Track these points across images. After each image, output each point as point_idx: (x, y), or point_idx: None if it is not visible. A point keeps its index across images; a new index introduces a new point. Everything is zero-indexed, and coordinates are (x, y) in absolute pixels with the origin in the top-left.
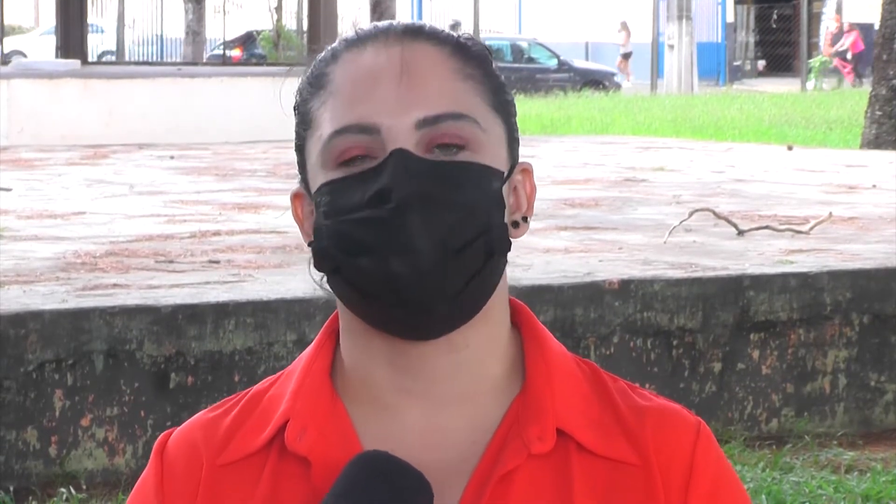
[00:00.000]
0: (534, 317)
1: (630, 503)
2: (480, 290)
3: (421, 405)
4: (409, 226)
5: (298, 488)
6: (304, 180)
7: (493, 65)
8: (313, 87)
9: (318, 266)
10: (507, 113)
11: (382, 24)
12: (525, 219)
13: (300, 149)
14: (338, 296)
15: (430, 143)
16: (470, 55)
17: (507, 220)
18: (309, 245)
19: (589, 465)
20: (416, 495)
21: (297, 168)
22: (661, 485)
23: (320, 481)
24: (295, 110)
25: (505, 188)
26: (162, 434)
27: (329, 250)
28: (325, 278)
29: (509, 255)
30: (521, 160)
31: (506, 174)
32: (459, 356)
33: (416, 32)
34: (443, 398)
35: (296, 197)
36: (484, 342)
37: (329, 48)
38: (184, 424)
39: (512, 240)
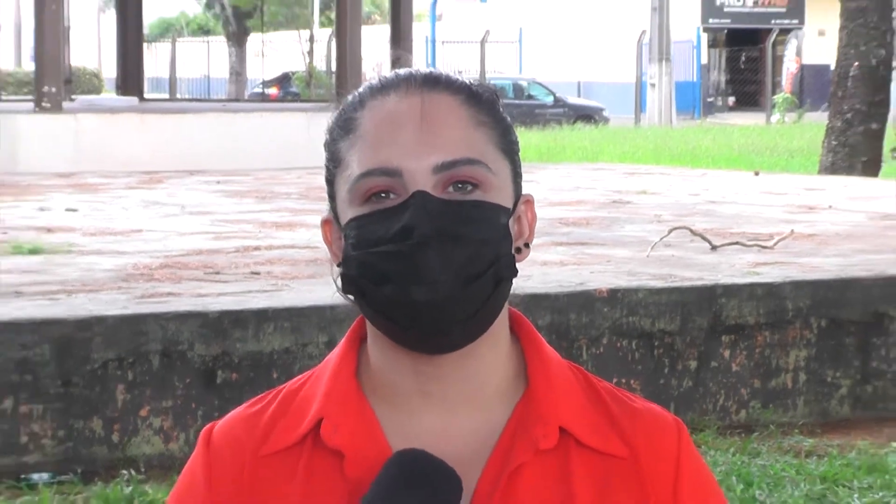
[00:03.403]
0: (532, 327)
1: (622, 492)
2: (490, 313)
3: (437, 406)
4: (428, 260)
5: (331, 478)
6: (333, 209)
7: (502, 108)
8: (342, 129)
9: (346, 290)
10: (512, 152)
11: (403, 72)
12: (527, 245)
13: (330, 182)
14: (362, 312)
15: (447, 183)
16: (481, 102)
17: (513, 249)
18: (337, 265)
19: (587, 460)
20: (449, 488)
21: (326, 196)
22: (648, 477)
23: (352, 472)
24: (325, 148)
25: (511, 221)
26: (205, 427)
27: (356, 278)
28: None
29: None
30: (523, 192)
31: (512, 208)
32: (469, 365)
33: (434, 81)
34: (456, 401)
35: (326, 222)
36: (489, 353)
37: (357, 93)
38: (224, 419)
39: (516, 266)
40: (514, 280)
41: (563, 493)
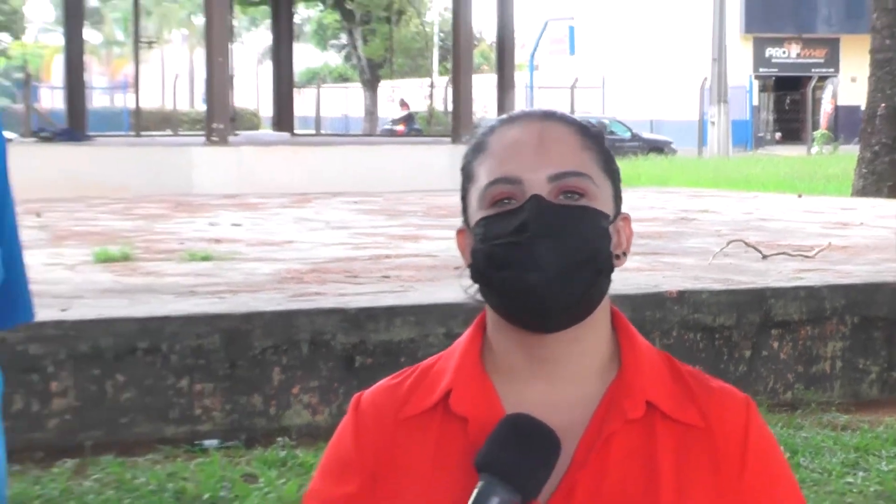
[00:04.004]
0: (627, 321)
1: (698, 458)
2: (590, 299)
3: (545, 382)
4: (540, 250)
5: (457, 439)
6: (466, 221)
7: (606, 143)
8: (476, 151)
9: (474, 278)
10: (614, 177)
11: (527, 109)
12: (624, 254)
13: (463, 198)
14: (486, 300)
15: (558, 191)
16: (589, 134)
17: (612, 249)
18: (468, 266)
19: (670, 430)
20: (549, 445)
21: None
22: (720, 444)
23: (474, 435)
24: (462, 171)
25: (611, 229)
26: (355, 395)
27: (482, 268)
28: (471, 289)
29: None
30: (622, 211)
31: (611, 217)
32: (572, 348)
33: (551, 115)
34: (560, 378)
35: (459, 232)
36: (590, 338)
37: (489, 124)
38: (371, 388)
39: (614, 267)
40: None
41: (648, 458)
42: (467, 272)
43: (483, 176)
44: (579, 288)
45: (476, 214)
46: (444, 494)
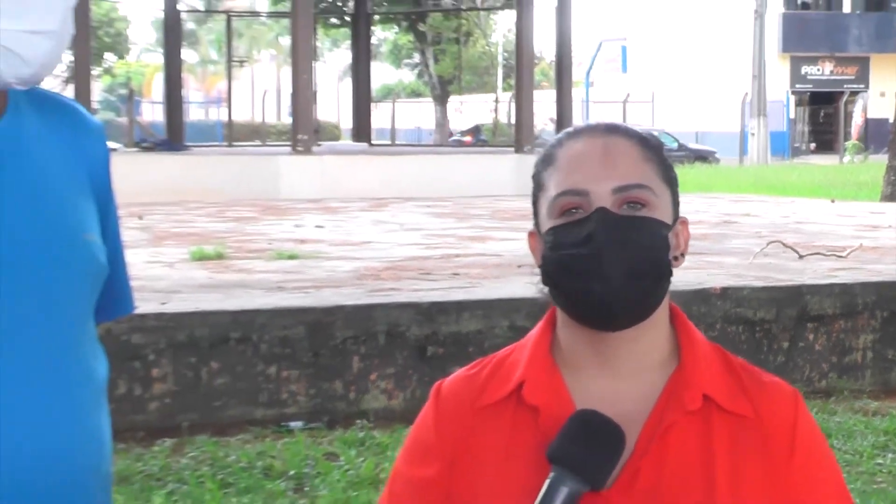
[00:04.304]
0: (686, 318)
1: (750, 447)
2: (650, 303)
3: (609, 376)
4: (605, 259)
5: (529, 428)
6: (536, 224)
7: (664, 152)
8: (545, 163)
9: (545, 282)
10: (672, 184)
11: (592, 122)
12: (682, 255)
13: (534, 203)
14: (555, 301)
15: (622, 202)
16: (650, 146)
17: (671, 256)
18: (539, 268)
19: (725, 421)
20: (616, 440)
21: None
22: (771, 435)
23: (544, 424)
24: (532, 179)
25: (669, 235)
26: (436, 383)
27: (552, 273)
28: (539, 284)
29: None
30: (681, 215)
31: (671, 223)
32: (634, 345)
33: (614, 129)
34: (623, 372)
35: (531, 234)
36: (651, 336)
37: (557, 138)
38: (450, 377)
39: (673, 269)
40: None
41: (704, 447)
42: (537, 270)
43: (552, 187)
44: (641, 294)
45: (546, 223)
46: (515, 481)
